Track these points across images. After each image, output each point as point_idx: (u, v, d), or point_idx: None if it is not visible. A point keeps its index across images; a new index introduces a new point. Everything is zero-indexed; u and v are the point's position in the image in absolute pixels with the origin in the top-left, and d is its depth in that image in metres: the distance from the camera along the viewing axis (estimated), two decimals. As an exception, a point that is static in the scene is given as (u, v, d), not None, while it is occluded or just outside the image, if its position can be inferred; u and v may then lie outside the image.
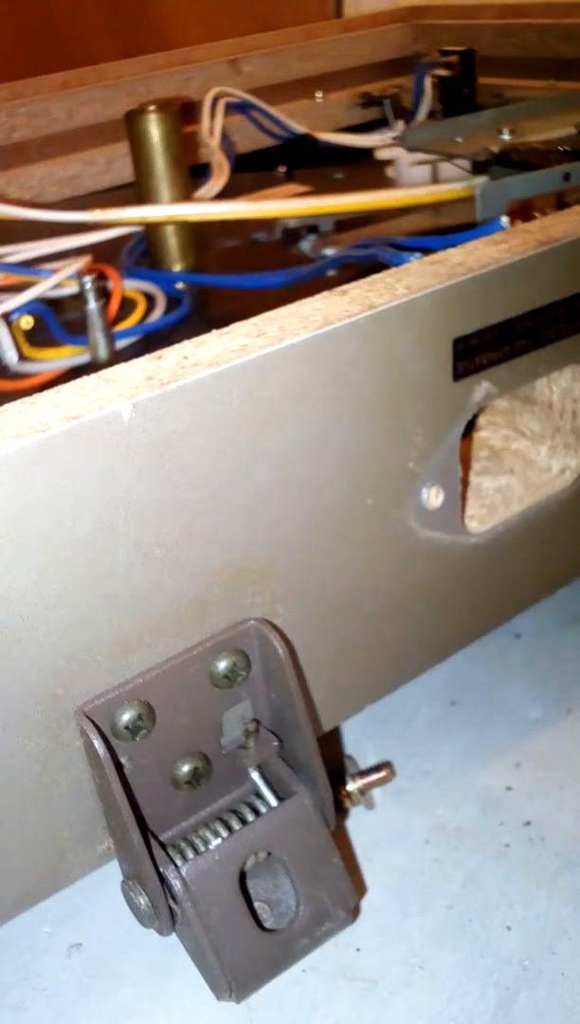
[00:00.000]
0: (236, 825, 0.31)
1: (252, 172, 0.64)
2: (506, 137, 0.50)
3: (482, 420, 0.45)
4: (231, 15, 1.13)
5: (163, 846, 0.30)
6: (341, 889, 0.31)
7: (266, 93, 0.70)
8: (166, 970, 0.35)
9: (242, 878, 0.30)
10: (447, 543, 0.36)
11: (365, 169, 0.63)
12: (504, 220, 0.40)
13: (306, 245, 0.50)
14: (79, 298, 0.41)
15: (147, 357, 0.28)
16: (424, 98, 0.68)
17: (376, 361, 0.31)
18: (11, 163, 0.59)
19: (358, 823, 0.39)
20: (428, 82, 0.67)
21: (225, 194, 0.56)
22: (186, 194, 0.48)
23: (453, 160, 0.52)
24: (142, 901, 0.29)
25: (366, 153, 0.65)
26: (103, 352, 0.41)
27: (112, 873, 0.32)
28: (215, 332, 0.29)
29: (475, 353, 0.33)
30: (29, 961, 0.35)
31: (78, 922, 0.37)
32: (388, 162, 0.61)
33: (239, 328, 0.29)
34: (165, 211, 0.47)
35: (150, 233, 0.49)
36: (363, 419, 0.31)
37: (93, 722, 0.28)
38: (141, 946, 0.35)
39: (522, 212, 0.44)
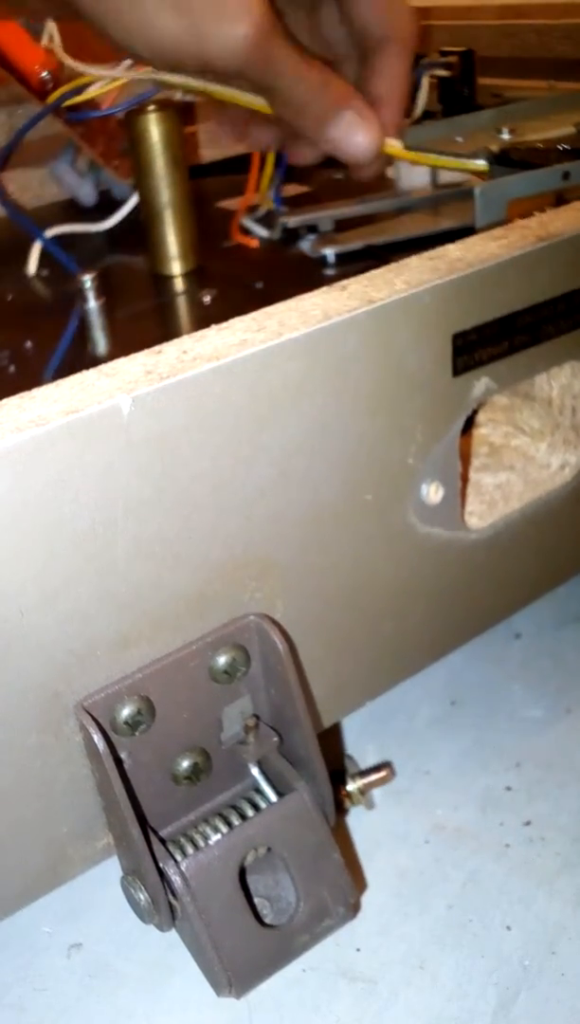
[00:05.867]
0: (236, 821, 0.31)
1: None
2: (506, 137, 0.50)
3: (482, 417, 0.45)
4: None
5: (163, 842, 0.30)
6: (341, 885, 0.31)
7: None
8: (166, 969, 0.34)
9: (242, 874, 0.30)
10: (447, 539, 0.36)
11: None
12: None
13: (306, 245, 0.50)
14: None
15: (146, 352, 0.28)
16: (423, 98, 0.68)
17: (375, 356, 0.31)
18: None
19: (358, 823, 0.39)
20: (427, 82, 0.68)
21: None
22: (186, 194, 0.48)
23: (453, 160, 0.53)
24: (142, 897, 0.29)
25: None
26: (102, 349, 0.41)
27: (112, 873, 0.31)
28: (214, 327, 0.29)
29: (475, 348, 0.33)
30: (29, 961, 0.35)
31: (78, 922, 0.36)
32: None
33: (238, 323, 0.29)
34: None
35: (150, 233, 0.49)
36: (362, 414, 0.31)
37: (93, 717, 0.28)
38: (141, 946, 0.35)
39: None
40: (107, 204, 0.59)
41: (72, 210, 0.61)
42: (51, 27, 0.53)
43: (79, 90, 0.50)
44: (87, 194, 0.60)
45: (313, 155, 0.42)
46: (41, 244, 0.50)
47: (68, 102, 0.50)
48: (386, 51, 0.40)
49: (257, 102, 0.39)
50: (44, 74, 0.53)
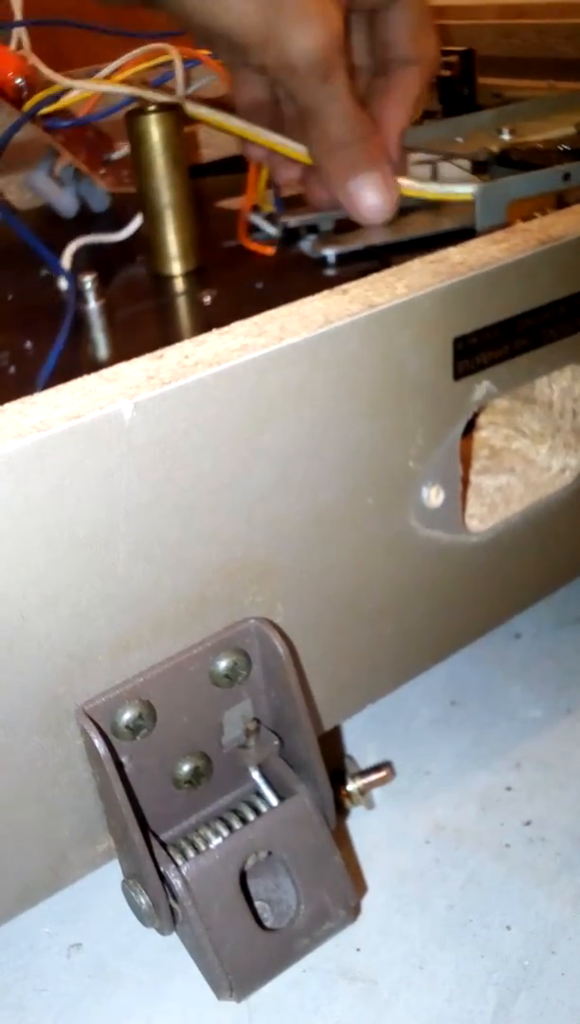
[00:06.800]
0: (237, 824, 0.31)
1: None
2: (506, 137, 0.50)
3: (482, 419, 0.45)
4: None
5: (164, 845, 0.30)
6: (341, 888, 0.31)
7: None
8: (166, 970, 0.35)
9: (243, 877, 0.30)
10: (447, 542, 0.36)
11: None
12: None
13: (306, 245, 0.50)
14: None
15: (147, 356, 0.28)
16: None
17: (376, 360, 0.31)
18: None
19: (358, 823, 0.39)
20: (427, 82, 0.67)
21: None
22: (187, 194, 0.48)
23: (453, 160, 0.52)
24: (143, 900, 0.29)
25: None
26: (103, 350, 0.41)
27: (112, 873, 0.32)
28: (215, 331, 0.29)
29: (475, 352, 0.33)
30: (29, 961, 0.35)
31: (78, 922, 0.37)
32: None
33: (239, 327, 0.29)
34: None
35: (150, 233, 0.49)
36: (363, 418, 0.31)
37: (94, 721, 0.28)
38: (141, 946, 0.35)
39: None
40: (86, 214, 0.59)
41: (52, 217, 0.60)
42: (19, 33, 0.52)
43: (55, 97, 0.49)
44: (68, 205, 0.58)
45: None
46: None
47: (44, 110, 0.50)
48: (408, 74, 0.39)
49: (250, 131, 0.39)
50: (18, 80, 0.52)
